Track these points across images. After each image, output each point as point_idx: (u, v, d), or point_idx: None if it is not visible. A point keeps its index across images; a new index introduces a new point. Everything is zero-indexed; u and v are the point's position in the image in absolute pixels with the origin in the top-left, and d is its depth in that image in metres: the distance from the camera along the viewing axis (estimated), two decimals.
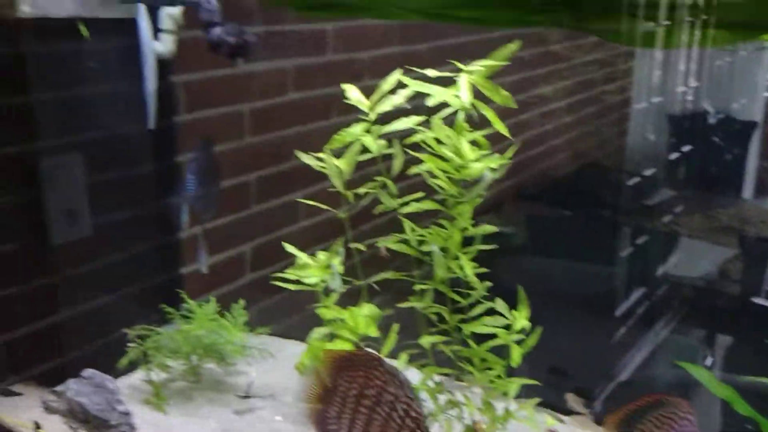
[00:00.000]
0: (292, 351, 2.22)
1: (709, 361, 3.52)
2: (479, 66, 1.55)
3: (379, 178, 1.68)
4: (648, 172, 4.94)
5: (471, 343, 1.60)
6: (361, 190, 1.66)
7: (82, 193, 2.10)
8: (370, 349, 1.41)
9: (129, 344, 1.98)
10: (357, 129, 1.64)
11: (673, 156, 5.24)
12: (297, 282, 1.75)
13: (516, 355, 1.54)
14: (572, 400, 2.10)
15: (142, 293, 2.30)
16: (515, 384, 1.64)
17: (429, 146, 1.58)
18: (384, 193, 1.65)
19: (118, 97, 2.13)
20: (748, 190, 5.67)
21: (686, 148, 5.37)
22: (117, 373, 2.07)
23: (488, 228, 1.65)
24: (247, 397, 2.04)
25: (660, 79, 5.22)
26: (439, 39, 3.23)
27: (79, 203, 2.10)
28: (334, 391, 1.36)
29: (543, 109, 4.65)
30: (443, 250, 1.60)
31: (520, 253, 3.82)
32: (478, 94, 1.59)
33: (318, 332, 1.85)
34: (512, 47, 1.50)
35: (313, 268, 1.70)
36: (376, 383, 1.31)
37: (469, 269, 1.54)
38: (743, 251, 4.03)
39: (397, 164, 1.66)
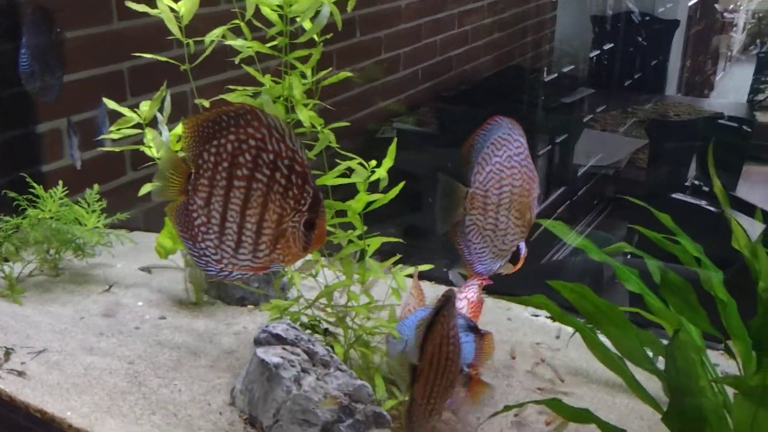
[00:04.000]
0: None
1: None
2: None
3: (236, 21, 1.51)
4: (566, 70, 4.88)
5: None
6: (208, 38, 1.50)
7: None
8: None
9: None
10: None
11: (594, 54, 5.18)
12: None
13: (360, 203, 1.44)
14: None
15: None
16: (376, 242, 1.56)
17: None
18: (231, 35, 1.49)
19: None
20: (670, 88, 5.69)
21: (607, 47, 5.30)
22: None
23: (343, 74, 1.52)
24: (108, 289, 1.92)
25: None
26: None
27: None
28: (200, 160, 1.07)
29: (464, 7, 4.47)
30: (286, 100, 1.47)
31: (430, 147, 3.73)
32: None
33: None
34: None
35: (134, 119, 1.54)
36: (251, 142, 1.04)
37: (305, 117, 1.41)
38: (648, 136, 4.05)
39: (250, 8, 1.48)
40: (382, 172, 1.50)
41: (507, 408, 1.29)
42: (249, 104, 1.08)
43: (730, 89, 5.86)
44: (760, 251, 1.36)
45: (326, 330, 1.58)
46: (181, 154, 1.16)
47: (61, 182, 1.93)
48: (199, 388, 1.58)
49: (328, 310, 1.56)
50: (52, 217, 1.82)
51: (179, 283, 1.91)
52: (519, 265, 1.57)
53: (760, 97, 5.04)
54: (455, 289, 1.59)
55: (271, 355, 1.43)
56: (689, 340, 1.36)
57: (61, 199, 1.84)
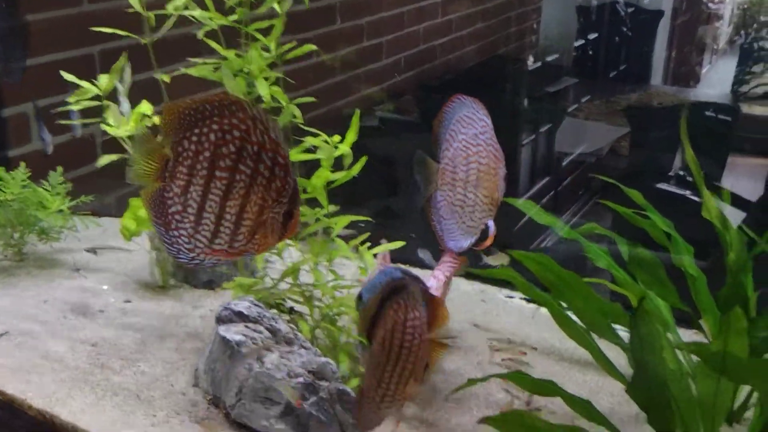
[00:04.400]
0: None
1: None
2: None
3: None
4: (550, 59, 4.86)
5: None
6: (169, 7, 1.47)
7: None
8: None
9: None
10: None
11: (578, 44, 5.16)
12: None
13: (320, 179, 1.42)
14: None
15: None
16: (344, 220, 1.53)
17: None
18: (194, 5, 1.46)
19: None
20: (656, 78, 5.68)
21: (592, 37, 5.29)
22: None
23: (306, 47, 1.48)
24: (78, 271, 1.89)
25: None
26: None
27: None
28: (180, 147, 1.03)
29: None
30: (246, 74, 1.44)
31: (413, 135, 3.72)
32: None
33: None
34: None
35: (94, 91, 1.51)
36: (235, 133, 1.01)
37: (265, 91, 1.39)
38: (629, 123, 4.03)
39: None
40: (345, 148, 1.48)
41: (471, 382, 1.26)
42: (234, 95, 1.07)
43: (717, 82, 5.85)
44: (729, 222, 1.35)
45: (291, 309, 1.55)
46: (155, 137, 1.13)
47: (23, 164, 1.89)
48: (163, 370, 1.55)
49: (291, 289, 1.53)
50: (14, 200, 1.78)
51: (145, 267, 1.88)
52: (489, 243, 1.57)
53: (744, 88, 5.02)
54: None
55: (233, 332, 1.40)
56: (654, 311, 1.34)
57: (23, 182, 1.80)
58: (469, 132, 1.43)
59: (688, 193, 3.52)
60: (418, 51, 4.34)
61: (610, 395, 1.53)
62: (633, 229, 1.57)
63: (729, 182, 3.77)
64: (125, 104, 1.53)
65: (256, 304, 1.44)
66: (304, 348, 1.42)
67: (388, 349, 1.16)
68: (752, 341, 1.28)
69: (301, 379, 1.38)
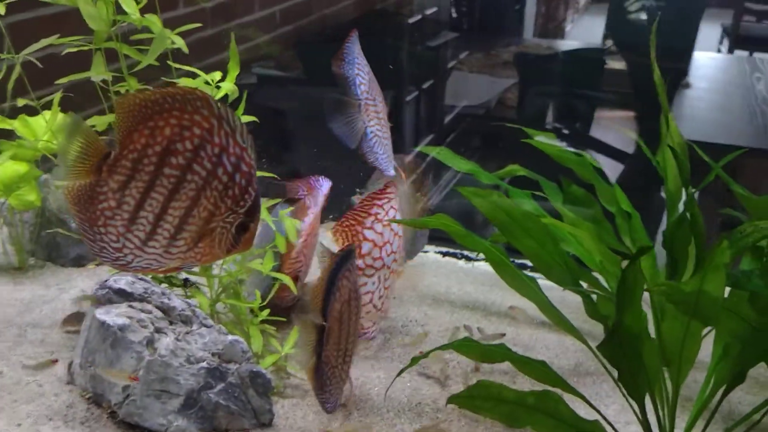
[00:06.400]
0: None
1: None
2: None
3: None
4: (429, 12, 4.75)
5: None
6: None
7: None
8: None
9: None
10: None
11: None
12: None
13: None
14: None
15: None
16: None
17: None
18: None
19: None
20: (528, 31, 5.75)
21: None
22: None
23: None
24: None
25: None
26: None
27: None
28: (128, 140, 0.91)
29: None
30: None
31: (296, 91, 3.52)
32: None
33: None
34: None
35: None
36: (195, 130, 0.90)
37: (131, 8, 1.14)
38: (517, 71, 4.03)
39: None
40: (229, 85, 1.27)
41: (414, 360, 1.09)
42: (202, 90, 0.90)
43: (579, 38, 6.02)
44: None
45: (186, 280, 1.31)
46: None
47: None
48: (27, 369, 1.26)
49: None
50: None
51: None
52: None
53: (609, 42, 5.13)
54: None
55: (114, 315, 1.14)
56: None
57: None
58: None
59: (564, 145, 3.53)
60: (294, 4, 4.07)
61: (545, 349, 1.42)
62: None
63: (597, 135, 3.85)
64: None
65: (140, 279, 1.18)
66: (205, 326, 1.18)
67: (346, 320, 1.07)
68: None
69: (204, 364, 1.15)
